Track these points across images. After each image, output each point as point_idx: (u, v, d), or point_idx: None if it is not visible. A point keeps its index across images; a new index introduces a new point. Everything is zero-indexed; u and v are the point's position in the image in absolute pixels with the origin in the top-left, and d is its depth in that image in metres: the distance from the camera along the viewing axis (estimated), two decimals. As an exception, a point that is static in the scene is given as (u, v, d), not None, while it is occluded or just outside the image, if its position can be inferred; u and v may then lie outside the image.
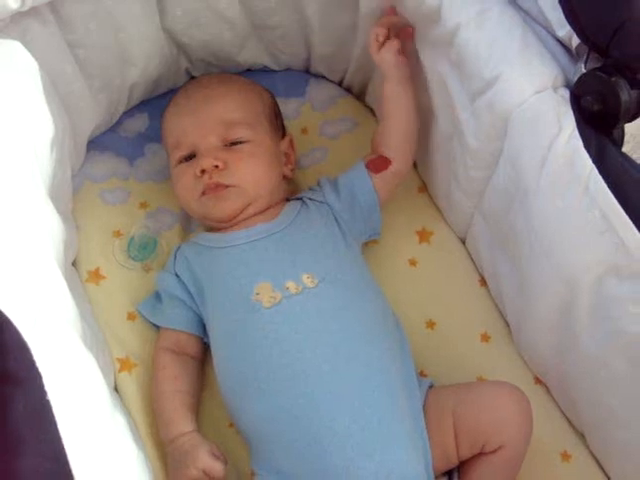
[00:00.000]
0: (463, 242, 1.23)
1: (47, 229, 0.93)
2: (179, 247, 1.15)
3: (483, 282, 1.20)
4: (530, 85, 0.93)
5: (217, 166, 1.09)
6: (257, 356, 1.00)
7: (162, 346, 1.09)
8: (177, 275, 1.12)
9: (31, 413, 0.66)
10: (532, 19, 0.98)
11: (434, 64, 1.09)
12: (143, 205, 1.24)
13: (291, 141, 1.21)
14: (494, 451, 0.97)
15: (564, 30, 0.93)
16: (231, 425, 1.08)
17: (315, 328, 1.00)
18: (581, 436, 1.08)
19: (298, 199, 1.16)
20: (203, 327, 1.10)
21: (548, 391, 1.11)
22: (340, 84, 1.37)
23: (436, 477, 0.98)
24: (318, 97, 1.35)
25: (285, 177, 1.18)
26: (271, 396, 0.97)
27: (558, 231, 0.92)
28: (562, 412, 1.10)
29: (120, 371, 1.08)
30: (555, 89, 0.93)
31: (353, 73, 1.32)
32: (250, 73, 1.34)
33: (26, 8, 0.96)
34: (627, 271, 0.85)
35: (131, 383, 1.08)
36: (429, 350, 1.13)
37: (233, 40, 1.28)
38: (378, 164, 1.13)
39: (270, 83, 1.30)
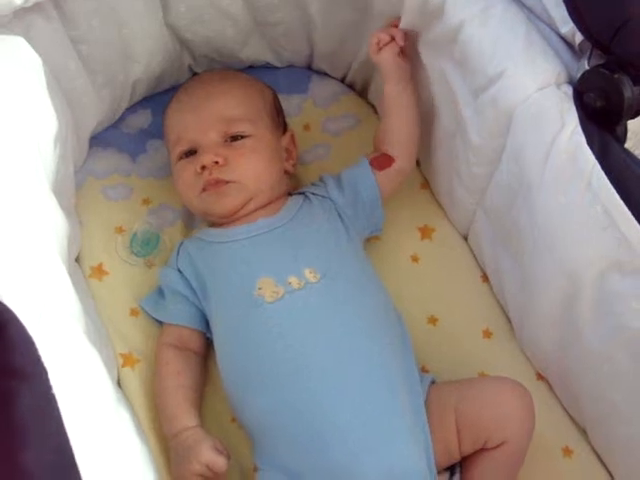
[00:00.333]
0: (465, 238, 1.23)
1: (51, 225, 0.93)
2: (182, 243, 1.15)
3: (485, 278, 1.20)
4: (533, 81, 0.93)
5: (217, 162, 1.09)
6: (260, 351, 1.00)
7: (165, 342, 1.09)
8: (180, 271, 1.12)
9: (36, 407, 0.66)
10: (535, 16, 0.98)
11: (436, 61, 1.09)
12: (145, 201, 1.24)
13: (292, 137, 1.22)
14: (496, 447, 0.97)
15: (567, 27, 0.93)
16: (234, 420, 1.08)
17: (317, 323, 1.00)
18: (583, 432, 1.08)
19: (301, 194, 1.16)
20: (206, 322, 1.10)
21: (550, 387, 1.11)
22: (343, 81, 1.37)
23: (438, 472, 0.98)
24: (320, 94, 1.36)
25: (287, 172, 1.18)
26: (274, 390, 0.98)
27: (561, 226, 0.92)
28: (564, 408, 1.10)
29: (123, 366, 1.09)
30: (558, 86, 0.93)
31: (356, 70, 1.32)
32: (252, 70, 1.34)
33: (30, 4, 0.96)
34: (629, 267, 0.86)
35: (134, 378, 1.08)
36: (431, 346, 1.13)
37: (236, 36, 1.28)
38: (382, 161, 1.13)
39: (272, 80, 1.30)
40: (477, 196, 1.12)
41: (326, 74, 1.37)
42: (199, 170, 1.10)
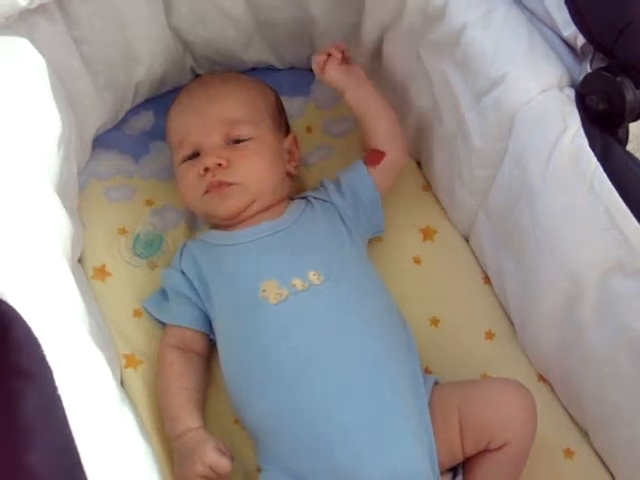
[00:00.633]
0: (467, 240, 1.23)
1: (55, 226, 0.93)
2: (185, 244, 1.16)
3: (487, 280, 1.20)
4: (536, 84, 0.93)
5: (220, 164, 1.09)
6: (263, 352, 1.00)
7: (168, 343, 1.09)
8: (183, 272, 1.12)
9: (42, 408, 0.66)
10: (538, 19, 0.99)
11: (437, 64, 1.09)
12: (148, 203, 1.25)
13: (295, 138, 1.22)
14: (499, 448, 0.97)
15: (569, 30, 0.94)
16: (237, 421, 1.08)
17: (321, 325, 1.01)
18: (584, 433, 1.08)
19: (303, 198, 1.16)
20: (209, 324, 1.10)
21: (551, 388, 1.12)
22: (344, 83, 1.38)
23: (441, 473, 0.98)
24: (322, 96, 1.36)
25: (289, 174, 1.19)
26: (277, 392, 0.98)
27: (563, 228, 0.92)
28: (565, 409, 1.10)
29: (126, 367, 1.09)
30: (561, 88, 0.94)
31: (357, 72, 1.32)
32: (255, 72, 1.35)
33: (34, 5, 0.97)
34: (631, 268, 0.86)
35: (137, 379, 1.08)
36: (433, 347, 1.13)
37: (238, 38, 1.28)
38: (373, 157, 1.15)
39: (274, 82, 1.29)
40: (479, 198, 1.13)
41: (328, 76, 1.37)
42: (202, 172, 1.10)
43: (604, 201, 0.86)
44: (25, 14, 0.99)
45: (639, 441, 0.95)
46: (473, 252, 1.22)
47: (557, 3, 0.92)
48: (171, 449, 1.01)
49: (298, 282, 1.03)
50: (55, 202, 0.96)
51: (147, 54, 1.21)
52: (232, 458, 0.98)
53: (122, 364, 1.09)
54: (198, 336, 1.10)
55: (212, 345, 1.11)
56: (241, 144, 1.12)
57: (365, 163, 1.15)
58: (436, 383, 1.04)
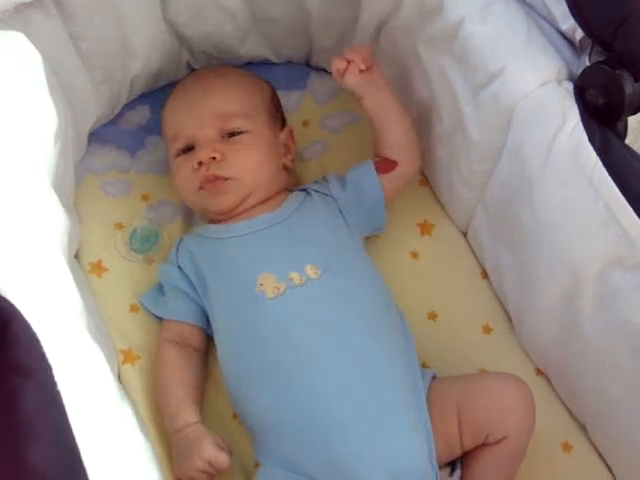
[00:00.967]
0: (465, 234, 1.23)
1: (53, 221, 0.93)
2: (181, 239, 1.15)
3: (485, 274, 1.20)
4: (534, 78, 0.93)
5: (214, 158, 1.09)
6: (261, 347, 1.00)
7: (165, 338, 1.09)
8: (179, 267, 1.12)
9: (42, 404, 0.66)
10: (536, 12, 0.99)
11: (435, 58, 1.09)
12: (145, 197, 1.24)
13: (291, 131, 1.21)
14: (497, 442, 0.97)
15: (568, 23, 0.94)
16: (235, 416, 1.08)
17: (319, 319, 1.01)
18: (582, 427, 1.08)
19: (303, 190, 1.16)
20: (206, 318, 1.10)
21: (549, 382, 1.12)
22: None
23: (439, 467, 0.98)
24: (319, 90, 1.36)
25: (285, 168, 1.18)
26: (276, 386, 0.98)
27: (562, 222, 0.92)
28: (563, 403, 1.10)
29: (123, 363, 1.08)
30: (559, 82, 0.94)
31: (354, 67, 1.31)
32: (251, 66, 1.34)
33: (29, -1, 0.96)
34: (631, 262, 0.86)
35: (134, 375, 1.08)
36: (431, 341, 1.13)
37: (234, 32, 1.28)
38: (384, 165, 1.13)
39: (271, 76, 1.29)
40: (477, 192, 1.13)
41: (325, 70, 1.37)
42: (196, 166, 1.10)
43: (603, 195, 0.86)
44: (21, 8, 0.98)
45: (637, 435, 0.95)
46: (471, 247, 1.22)
47: (555, -4, 0.92)
48: (170, 444, 1.01)
49: (295, 276, 1.02)
50: (52, 197, 0.96)
51: (143, 48, 1.20)
52: (230, 453, 0.98)
53: (119, 360, 1.08)
54: (195, 331, 1.10)
55: (210, 340, 1.11)
56: (236, 137, 1.12)
57: (375, 167, 1.14)
58: (434, 377, 1.04)
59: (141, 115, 1.32)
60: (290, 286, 1.02)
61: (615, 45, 0.87)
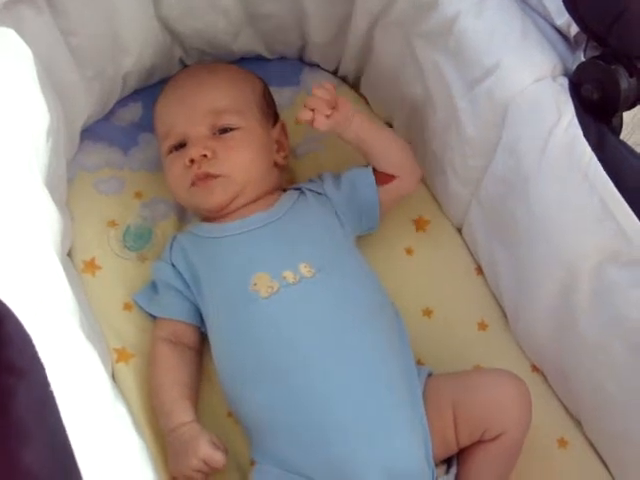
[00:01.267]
0: (460, 231, 1.23)
1: (45, 219, 0.92)
2: (175, 237, 1.15)
3: (479, 270, 1.20)
4: (530, 73, 0.93)
5: (206, 155, 1.08)
6: (256, 346, 0.99)
7: (159, 336, 1.08)
8: (173, 265, 1.11)
9: (35, 404, 0.66)
10: (531, 8, 0.99)
11: (430, 53, 1.08)
12: (138, 195, 1.23)
13: (283, 127, 1.21)
14: (494, 439, 0.97)
15: (562, 18, 0.93)
16: (230, 415, 1.08)
17: (313, 318, 1.00)
18: (578, 423, 1.09)
19: (297, 189, 1.15)
20: (200, 317, 1.10)
21: (545, 379, 1.12)
22: (335, 73, 1.37)
23: (435, 465, 0.98)
24: (313, 86, 1.34)
25: (278, 165, 1.18)
26: (271, 386, 0.97)
27: (558, 218, 0.92)
28: (559, 399, 1.10)
29: (117, 362, 1.08)
30: (554, 78, 0.94)
31: (348, 62, 1.31)
32: (243, 62, 1.33)
33: (19, -5, 0.95)
34: (627, 258, 0.86)
35: (128, 374, 1.07)
36: (426, 338, 1.13)
37: (227, 28, 1.27)
38: (382, 177, 1.12)
39: (264, 72, 1.28)
40: (472, 188, 1.12)
41: (318, 66, 1.36)
42: (187, 163, 1.09)
43: (599, 191, 0.86)
44: (10, 4, 0.97)
45: (632, 430, 0.96)
46: (466, 243, 1.22)
47: (550, -9, 0.92)
48: (165, 443, 1.01)
49: (289, 275, 1.02)
50: (44, 195, 0.95)
51: (135, 45, 1.19)
52: (226, 452, 0.98)
53: (113, 358, 1.08)
54: (189, 329, 1.10)
55: (204, 338, 1.11)
56: (228, 134, 1.11)
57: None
58: (429, 374, 1.04)
59: (134, 112, 1.31)
60: (284, 285, 1.01)
61: (610, 40, 0.87)
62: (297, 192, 1.14)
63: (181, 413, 1.01)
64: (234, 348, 1.02)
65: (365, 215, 1.13)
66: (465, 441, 0.99)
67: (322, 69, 1.37)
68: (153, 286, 1.13)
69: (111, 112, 1.29)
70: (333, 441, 0.93)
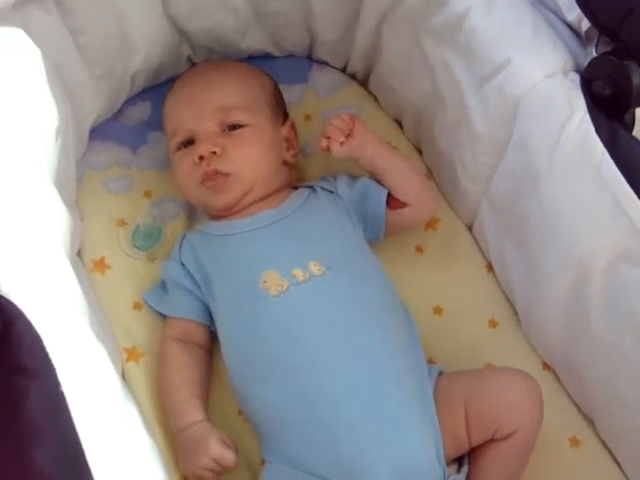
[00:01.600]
0: (470, 228, 1.22)
1: (55, 219, 0.92)
2: (184, 235, 1.14)
3: (490, 268, 1.19)
4: (541, 69, 0.93)
5: (215, 152, 1.08)
6: (266, 344, 0.99)
7: (169, 335, 1.08)
8: (182, 264, 1.11)
9: (46, 405, 0.66)
10: (541, 3, 0.98)
11: (439, 50, 1.08)
12: (147, 194, 1.23)
13: (293, 125, 1.20)
14: (505, 437, 0.97)
15: (573, 14, 0.93)
16: (240, 413, 1.07)
17: (323, 316, 1.00)
18: (590, 422, 1.08)
19: (309, 187, 1.15)
20: (210, 315, 1.09)
21: (556, 377, 1.11)
22: (344, 70, 1.36)
23: (447, 464, 0.97)
24: (321, 83, 1.34)
25: (287, 163, 1.17)
26: (280, 384, 0.97)
27: (570, 215, 0.92)
28: (570, 398, 1.10)
29: (127, 361, 1.08)
30: (565, 74, 0.93)
31: (357, 59, 1.31)
32: (252, 60, 1.33)
33: (27, -5, 0.95)
34: (639, 255, 0.85)
35: (138, 373, 1.07)
36: (437, 336, 1.13)
37: (235, 26, 1.26)
38: (395, 202, 1.11)
39: (272, 70, 1.28)
40: (482, 186, 1.12)
41: (327, 64, 1.36)
42: (197, 160, 1.09)
43: (611, 188, 0.86)
44: (19, 4, 0.97)
45: (645, 428, 0.95)
46: (476, 240, 1.22)
47: (561, -14, 0.92)
48: (175, 442, 1.01)
49: (299, 273, 1.01)
50: (53, 194, 0.95)
51: (144, 43, 1.19)
52: (236, 450, 0.97)
53: (123, 358, 1.08)
54: (199, 328, 1.09)
55: (214, 337, 1.10)
56: (237, 131, 1.11)
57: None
58: (440, 373, 1.04)
59: (142, 111, 1.31)
60: (294, 283, 1.01)
61: (622, 35, 0.86)
62: (308, 190, 1.14)
63: (191, 412, 1.00)
64: (243, 346, 1.02)
65: (370, 226, 1.13)
66: (477, 440, 0.98)
67: (331, 66, 1.36)
68: (163, 285, 1.13)
69: (120, 111, 1.29)
70: (342, 439, 0.93)
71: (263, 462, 1.01)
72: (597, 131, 0.88)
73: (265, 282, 1.02)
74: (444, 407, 0.98)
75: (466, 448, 1.00)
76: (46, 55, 1.00)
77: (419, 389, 0.99)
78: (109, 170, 1.24)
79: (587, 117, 0.89)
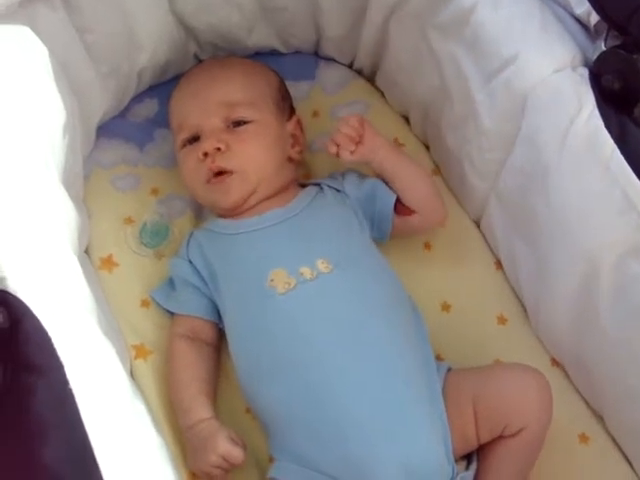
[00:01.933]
0: (478, 224, 1.22)
1: (62, 216, 0.92)
2: (192, 233, 1.14)
3: (498, 264, 1.19)
4: (549, 64, 0.92)
5: (219, 148, 1.08)
6: (273, 342, 0.99)
7: (177, 332, 1.08)
8: (190, 261, 1.11)
9: (54, 403, 0.66)
10: (549, -3, 0.97)
11: (446, 45, 1.08)
12: (154, 191, 1.23)
13: (299, 121, 1.20)
14: (514, 434, 0.96)
15: (582, 8, 0.92)
16: (248, 411, 1.07)
17: (330, 314, 1.00)
18: (599, 418, 1.07)
19: (316, 184, 1.15)
20: (217, 313, 1.09)
21: (565, 373, 1.11)
22: (351, 66, 1.36)
23: (455, 461, 0.97)
24: (328, 80, 1.34)
25: (292, 160, 1.17)
26: (288, 382, 0.97)
27: (579, 211, 0.91)
28: (580, 394, 1.09)
29: (135, 358, 1.08)
30: (574, 68, 0.92)
31: (363, 55, 1.30)
32: (258, 56, 1.33)
33: (34, -7, 0.95)
34: (649, 251, 0.85)
35: (147, 370, 1.07)
36: (445, 333, 1.12)
37: (242, 23, 1.26)
38: (403, 208, 1.11)
39: (279, 66, 1.28)
40: (490, 181, 1.11)
41: (334, 60, 1.36)
42: (201, 157, 1.09)
43: (621, 183, 0.85)
44: (25, 2, 0.97)
45: (656, 425, 0.95)
46: (484, 237, 1.21)
47: (569, -20, 0.91)
48: (183, 440, 1.01)
49: (306, 271, 1.01)
50: (61, 192, 0.95)
51: (150, 41, 1.19)
52: (245, 447, 0.97)
53: (131, 355, 1.08)
54: (207, 325, 1.09)
55: (221, 334, 1.10)
56: (242, 127, 1.11)
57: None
58: (449, 370, 1.03)
59: (149, 108, 1.31)
60: (301, 281, 1.01)
61: (631, 29, 0.85)
62: (316, 188, 1.14)
63: (199, 409, 1.00)
64: (251, 344, 1.02)
65: (376, 227, 1.13)
66: (486, 437, 0.98)
67: (338, 63, 1.36)
68: (170, 283, 1.13)
69: (126, 108, 1.29)
70: (350, 437, 0.93)
71: (271, 459, 1.01)
72: (606, 126, 0.87)
73: (272, 280, 1.01)
74: (453, 404, 0.98)
75: (475, 445, 0.99)
76: (53, 53, 1.00)
77: (427, 386, 0.98)
78: (116, 168, 1.24)
79: (596, 112, 0.88)
